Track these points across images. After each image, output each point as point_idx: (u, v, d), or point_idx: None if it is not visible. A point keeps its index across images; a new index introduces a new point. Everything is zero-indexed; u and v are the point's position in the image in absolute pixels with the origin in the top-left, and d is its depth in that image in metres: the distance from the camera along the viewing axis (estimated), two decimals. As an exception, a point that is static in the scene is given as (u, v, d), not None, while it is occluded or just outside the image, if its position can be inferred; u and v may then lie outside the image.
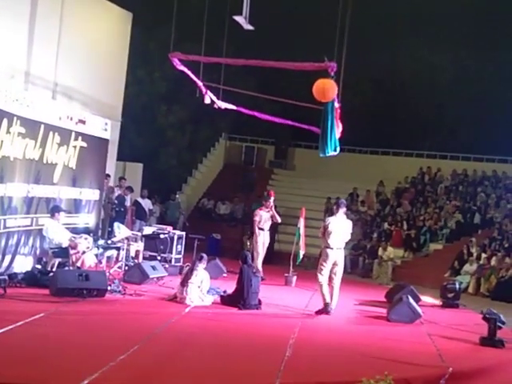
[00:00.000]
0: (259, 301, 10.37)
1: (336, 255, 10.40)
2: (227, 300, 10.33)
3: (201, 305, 10.01)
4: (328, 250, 10.36)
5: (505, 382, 7.49)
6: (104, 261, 11.67)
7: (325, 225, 10.46)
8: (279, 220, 13.96)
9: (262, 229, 13.54)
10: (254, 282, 10.33)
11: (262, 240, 13.53)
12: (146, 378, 6.15)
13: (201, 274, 10.28)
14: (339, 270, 10.53)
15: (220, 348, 7.61)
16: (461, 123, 24.23)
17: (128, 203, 15.49)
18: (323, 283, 10.35)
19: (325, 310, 10.27)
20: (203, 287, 10.25)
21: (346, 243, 18.35)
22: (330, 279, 10.44)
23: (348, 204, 20.92)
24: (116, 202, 15.03)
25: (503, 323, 9.04)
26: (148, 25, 20.00)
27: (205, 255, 10.62)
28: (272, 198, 13.78)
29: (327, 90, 9.16)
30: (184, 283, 10.17)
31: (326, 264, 10.37)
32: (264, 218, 13.55)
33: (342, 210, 10.63)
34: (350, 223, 10.80)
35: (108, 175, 14.70)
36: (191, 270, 10.28)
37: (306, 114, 12.03)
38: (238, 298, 10.16)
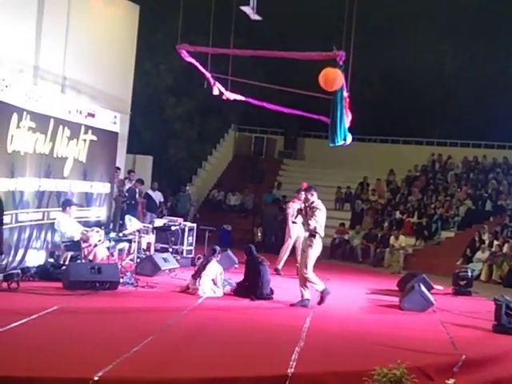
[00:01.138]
0: (271, 290, 10.38)
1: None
2: (240, 291, 10.35)
3: (213, 296, 10.05)
4: (320, 240, 10.10)
5: (518, 369, 7.47)
6: (116, 253, 11.71)
7: (317, 211, 10.09)
8: None
9: (295, 222, 12.68)
10: (262, 271, 10.32)
11: (297, 234, 12.95)
12: (160, 369, 6.18)
13: (214, 267, 10.30)
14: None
15: (232, 338, 7.64)
16: (471, 110, 24.09)
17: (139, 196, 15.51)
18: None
19: (324, 297, 10.01)
20: (217, 280, 10.28)
21: (357, 232, 18.33)
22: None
23: (358, 193, 21.01)
24: (127, 194, 15.07)
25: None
26: (155, 17, 19.97)
27: (218, 248, 10.64)
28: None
29: (333, 79, 9.12)
30: (196, 276, 10.21)
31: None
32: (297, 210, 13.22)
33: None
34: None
35: (118, 168, 14.74)
36: (204, 264, 10.31)
37: (315, 104, 11.97)
38: (250, 289, 10.18)
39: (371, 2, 18.75)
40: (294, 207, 12.99)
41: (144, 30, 16.44)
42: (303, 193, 12.89)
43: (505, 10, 22.40)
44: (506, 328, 8.85)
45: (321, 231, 10.05)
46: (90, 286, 9.52)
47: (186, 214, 18.19)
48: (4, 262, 9.82)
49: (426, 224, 18.25)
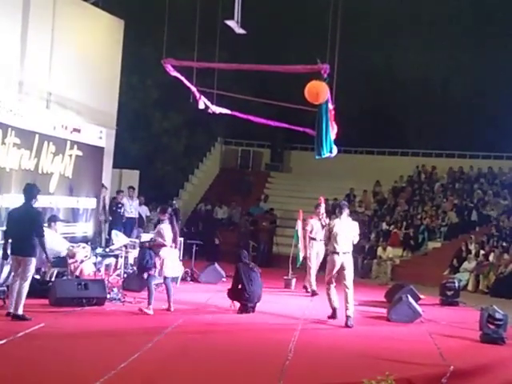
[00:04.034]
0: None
1: (342, 260, 9.77)
2: (232, 295, 10.29)
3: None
4: (334, 256, 9.81)
5: (506, 379, 7.48)
6: (103, 269, 11.65)
7: (329, 228, 9.96)
8: None
9: (313, 239, 12.53)
10: (253, 276, 10.24)
11: (316, 251, 12.52)
12: (148, 385, 6.16)
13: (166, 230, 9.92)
14: (349, 275, 9.79)
15: (220, 353, 7.61)
16: (456, 121, 24.26)
17: (125, 207, 15.44)
18: (332, 290, 9.96)
19: (333, 315, 10.00)
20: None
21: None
22: (339, 283, 9.91)
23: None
24: (113, 208, 15.03)
25: (500, 320, 9.04)
26: (140, 32, 20.02)
27: (168, 209, 10.18)
28: (323, 206, 12.70)
29: (319, 92, 9.18)
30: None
31: (332, 271, 9.86)
32: (316, 227, 12.51)
33: (346, 212, 10.07)
34: (355, 224, 10.16)
35: (104, 187, 14.64)
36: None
37: (300, 117, 12.04)
38: (242, 295, 10.12)
39: (357, 15, 18.92)
40: (312, 224, 12.64)
41: (130, 44, 16.47)
42: (322, 208, 12.56)
43: (491, 19, 22.69)
44: (493, 338, 8.89)
45: (333, 247, 9.87)
46: (76, 302, 9.47)
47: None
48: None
49: (413, 235, 18.31)
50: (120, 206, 15.34)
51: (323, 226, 12.18)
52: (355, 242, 10.14)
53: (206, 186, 24.09)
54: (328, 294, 10.03)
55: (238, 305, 10.25)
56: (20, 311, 8.40)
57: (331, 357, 7.80)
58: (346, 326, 9.54)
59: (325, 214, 12.64)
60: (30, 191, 8.78)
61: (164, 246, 9.77)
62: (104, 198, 14.84)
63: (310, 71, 9.27)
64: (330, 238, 9.88)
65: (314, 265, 12.62)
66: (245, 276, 10.18)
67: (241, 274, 10.21)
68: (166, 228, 9.87)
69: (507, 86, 20.89)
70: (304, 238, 13.34)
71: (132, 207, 15.43)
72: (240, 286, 10.20)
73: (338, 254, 9.74)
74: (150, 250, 9.92)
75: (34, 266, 8.66)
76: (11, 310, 8.42)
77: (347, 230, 9.89)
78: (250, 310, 10.15)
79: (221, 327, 9.13)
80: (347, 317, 9.61)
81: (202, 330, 8.86)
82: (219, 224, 20.75)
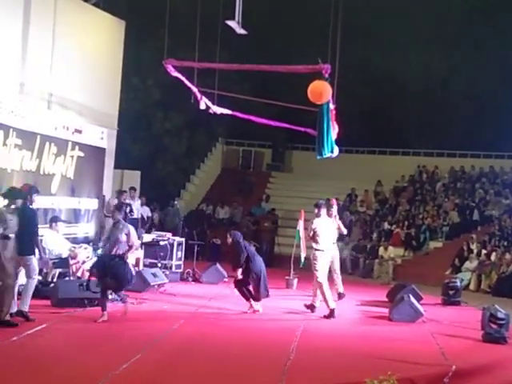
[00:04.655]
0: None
1: (328, 254, 10.65)
2: (240, 283, 10.30)
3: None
4: (320, 253, 10.44)
5: (508, 378, 7.48)
6: (104, 270, 11.62)
7: (313, 228, 10.53)
8: (345, 231, 12.35)
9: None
10: (253, 251, 10.51)
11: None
12: (150, 385, 6.16)
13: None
14: (336, 263, 11.31)
15: (222, 353, 7.60)
16: (456, 120, 24.26)
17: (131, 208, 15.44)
18: (325, 288, 10.28)
19: (331, 315, 10.18)
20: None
21: (347, 244, 18.15)
22: (330, 273, 10.90)
23: (347, 205, 21.04)
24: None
25: (502, 319, 9.03)
26: (141, 32, 20.02)
27: (123, 207, 9.85)
28: (335, 207, 12.09)
29: (322, 91, 9.20)
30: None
31: (321, 267, 10.40)
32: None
33: (324, 211, 10.80)
34: (333, 220, 11.33)
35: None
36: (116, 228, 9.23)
37: (302, 117, 12.03)
38: (250, 271, 10.16)
39: (357, 16, 18.90)
40: None
41: (131, 45, 16.46)
42: (334, 209, 12.15)
43: (491, 19, 22.68)
44: (494, 337, 8.89)
45: (317, 245, 10.57)
46: (78, 303, 9.48)
47: (175, 228, 18.11)
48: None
49: (415, 234, 18.29)
50: (125, 206, 15.31)
51: (338, 228, 11.89)
52: (344, 232, 12.01)
53: (208, 186, 24.10)
54: (323, 294, 10.29)
55: (247, 304, 10.26)
56: (26, 308, 8.42)
57: (333, 357, 7.79)
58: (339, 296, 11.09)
59: (338, 216, 12.26)
60: (28, 191, 8.78)
61: (137, 249, 9.65)
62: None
63: (312, 71, 9.28)
64: (313, 236, 10.53)
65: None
66: (247, 248, 10.33)
67: (242, 243, 10.34)
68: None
69: (507, 86, 20.88)
70: (305, 238, 13.29)
71: (134, 208, 15.40)
72: (245, 266, 10.12)
73: (323, 251, 10.49)
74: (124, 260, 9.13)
75: (36, 264, 8.66)
76: (13, 311, 8.42)
77: (328, 227, 10.78)
78: (264, 293, 10.17)
79: (222, 327, 9.13)
80: (339, 294, 11.25)
81: (203, 330, 8.85)
82: (220, 224, 20.76)
